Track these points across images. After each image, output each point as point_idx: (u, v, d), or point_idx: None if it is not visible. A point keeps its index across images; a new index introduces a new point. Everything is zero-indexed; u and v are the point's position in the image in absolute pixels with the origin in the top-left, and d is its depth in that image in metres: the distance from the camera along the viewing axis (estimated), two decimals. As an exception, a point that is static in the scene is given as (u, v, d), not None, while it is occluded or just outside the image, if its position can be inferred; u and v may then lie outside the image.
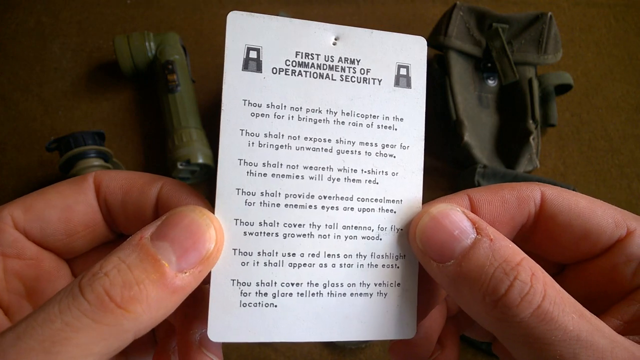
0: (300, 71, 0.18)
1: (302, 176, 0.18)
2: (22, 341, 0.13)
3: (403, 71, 0.19)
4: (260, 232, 0.18)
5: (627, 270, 0.17)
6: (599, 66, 0.60)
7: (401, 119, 0.19)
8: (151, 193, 0.19)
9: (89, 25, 0.59)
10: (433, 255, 0.17)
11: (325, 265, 0.18)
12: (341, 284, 0.19)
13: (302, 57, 0.18)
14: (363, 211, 0.19)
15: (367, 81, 0.19)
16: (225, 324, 0.18)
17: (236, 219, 0.18)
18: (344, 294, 0.19)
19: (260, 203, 0.18)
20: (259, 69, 0.18)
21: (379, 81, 0.19)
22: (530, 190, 0.19)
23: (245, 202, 0.18)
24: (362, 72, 0.19)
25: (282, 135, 0.18)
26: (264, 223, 0.18)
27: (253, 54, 0.18)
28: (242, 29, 0.18)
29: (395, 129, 0.19)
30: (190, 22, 0.60)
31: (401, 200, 0.19)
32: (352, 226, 0.19)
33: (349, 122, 0.19)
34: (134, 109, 0.56)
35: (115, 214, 0.19)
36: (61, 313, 0.14)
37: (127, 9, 0.60)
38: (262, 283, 0.18)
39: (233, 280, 0.18)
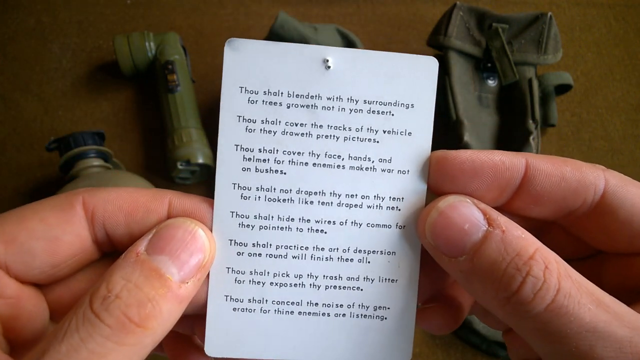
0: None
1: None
2: None
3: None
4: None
5: None
6: (599, 66, 0.60)
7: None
8: (160, 211, 0.18)
9: (89, 25, 0.59)
10: (444, 250, 0.17)
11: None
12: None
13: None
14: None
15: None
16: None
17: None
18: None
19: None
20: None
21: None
22: (595, 176, 0.17)
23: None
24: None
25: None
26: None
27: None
28: None
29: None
30: (190, 22, 0.60)
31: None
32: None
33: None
34: (134, 109, 0.56)
35: (117, 237, 0.18)
36: (84, 342, 0.14)
37: (127, 9, 0.60)
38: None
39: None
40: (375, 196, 0.18)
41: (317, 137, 0.18)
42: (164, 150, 0.51)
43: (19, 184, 0.52)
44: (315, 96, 0.18)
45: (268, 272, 0.18)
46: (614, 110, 0.58)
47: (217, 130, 0.18)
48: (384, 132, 0.18)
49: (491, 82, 0.54)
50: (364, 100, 0.18)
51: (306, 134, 0.18)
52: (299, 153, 0.18)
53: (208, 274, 0.18)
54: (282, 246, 0.18)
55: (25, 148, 0.54)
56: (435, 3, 0.62)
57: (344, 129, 0.18)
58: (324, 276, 0.18)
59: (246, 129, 0.18)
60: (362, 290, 0.19)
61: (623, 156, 0.56)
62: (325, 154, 0.18)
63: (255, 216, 0.18)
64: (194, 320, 0.20)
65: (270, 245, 0.18)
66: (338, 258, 0.18)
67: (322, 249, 0.18)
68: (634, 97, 0.59)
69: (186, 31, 0.59)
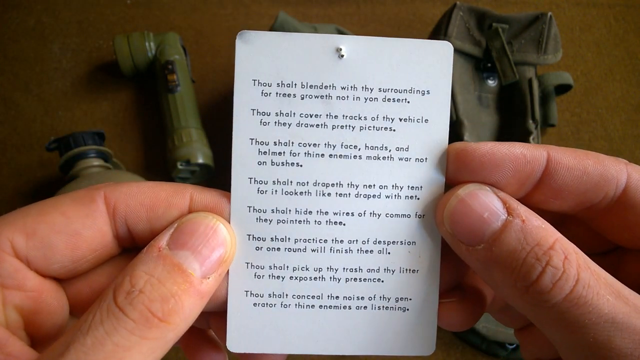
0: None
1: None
2: None
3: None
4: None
5: None
6: (599, 66, 0.60)
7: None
8: (182, 205, 0.18)
9: (89, 25, 0.59)
10: (462, 238, 0.17)
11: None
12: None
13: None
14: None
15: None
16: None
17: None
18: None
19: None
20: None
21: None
22: (617, 170, 0.17)
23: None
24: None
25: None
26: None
27: None
28: None
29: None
30: (190, 22, 0.60)
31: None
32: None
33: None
34: (134, 109, 0.56)
35: (139, 232, 0.18)
36: (109, 335, 0.14)
37: (127, 9, 0.60)
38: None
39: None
40: (393, 185, 0.18)
41: (333, 128, 0.18)
42: (164, 150, 0.51)
43: (19, 184, 0.52)
44: (329, 86, 0.18)
45: (287, 266, 0.18)
46: (614, 110, 0.58)
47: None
48: (400, 120, 0.18)
49: (491, 82, 0.54)
50: (379, 89, 0.18)
51: (321, 125, 0.18)
52: (314, 145, 0.18)
53: (227, 270, 0.18)
54: (300, 240, 0.18)
55: (25, 148, 0.54)
56: (435, 3, 0.62)
57: (360, 118, 0.18)
58: (343, 269, 0.18)
59: (260, 122, 0.18)
60: (383, 281, 0.18)
61: (623, 156, 0.56)
62: (342, 145, 0.18)
63: (272, 210, 0.18)
64: (209, 314, 0.20)
65: (289, 239, 0.18)
66: (358, 250, 0.18)
67: (341, 241, 0.18)
68: (634, 97, 0.59)
69: (186, 31, 0.59)
